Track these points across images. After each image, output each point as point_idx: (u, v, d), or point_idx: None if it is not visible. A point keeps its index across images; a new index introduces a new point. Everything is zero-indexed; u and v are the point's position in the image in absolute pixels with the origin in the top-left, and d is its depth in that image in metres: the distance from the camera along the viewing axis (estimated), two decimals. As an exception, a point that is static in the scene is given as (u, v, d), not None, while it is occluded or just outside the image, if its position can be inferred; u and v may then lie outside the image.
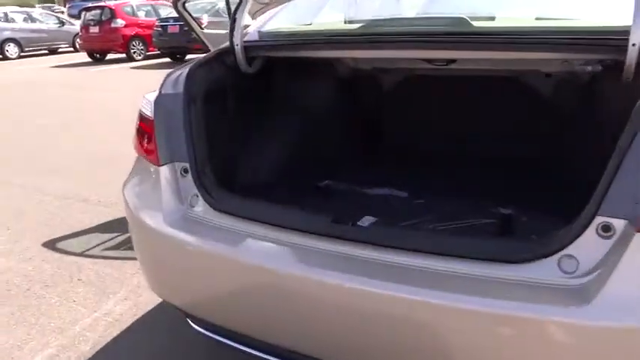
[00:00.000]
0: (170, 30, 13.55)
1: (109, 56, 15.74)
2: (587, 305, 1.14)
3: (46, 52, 18.35)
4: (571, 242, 1.22)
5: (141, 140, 1.89)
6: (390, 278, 1.32)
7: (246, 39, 2.05)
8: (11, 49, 17.14)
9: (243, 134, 2.18)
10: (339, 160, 2.52)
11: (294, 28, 2.28)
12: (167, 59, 14.37)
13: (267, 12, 2.46)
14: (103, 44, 15.24)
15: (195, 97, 1.82)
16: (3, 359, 2.28)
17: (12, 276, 2.97)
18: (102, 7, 15.35)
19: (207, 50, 2.88)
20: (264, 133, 2.25)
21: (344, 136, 2.65)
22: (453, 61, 2.16)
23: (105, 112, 7.71)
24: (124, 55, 15.15)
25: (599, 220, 1.19)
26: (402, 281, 1.31)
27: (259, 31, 2.17)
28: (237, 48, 2.00)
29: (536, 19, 1.91)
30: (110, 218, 3.66)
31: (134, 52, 15.09)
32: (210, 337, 1.78)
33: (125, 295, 2.70)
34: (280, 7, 2.41)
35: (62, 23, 18.82)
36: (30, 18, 18.22)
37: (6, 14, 17.46)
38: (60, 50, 18.67)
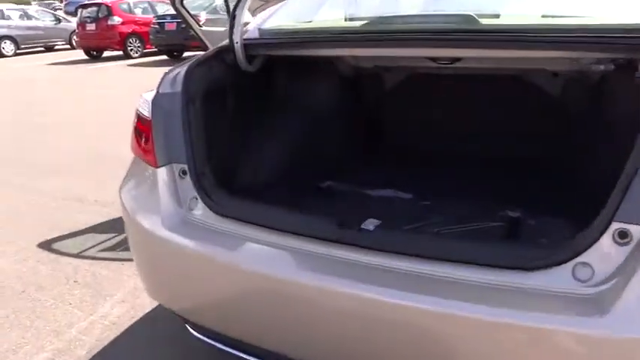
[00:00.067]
0: (167, 27, 13.50)
1: (106, 54, 15.68)
2: (603, 316, 1.10)
3: (43, 49, 18.29)
4: (586, 249, 1.18)
5: (138, 141, 1.85)
6: (400, 286, 1.28)
7: (246, 37, 2.01)
8: (7, 47, 17.11)
9: (243, 134, 2.15)
10: (340, 160, 2.49)
11: (295, 26, 2.24)
12: (164, 57, 14.33)
13: (267, 9, 2.43)
14: (100, 42, 15.20)
15: (193, 97, 1.78)
16: (-3, 364, 2.24)
17: (6, 278, 2.92)
18: (98, 4, 15.27)
19: (205, 48, 2.84)
20: (264, 133, 2.21)
21: (345, 135, 2.62)
22: (458, 59, 2.12)
23: (102, 110, 7.65)
24: (120, 53, 15.08)
25: (615, 226, 1.15)
26: (411, 289, 1.27)
27: (259, 29, 2.13)
28: (237, 46, 1.96)
29: (542, 16, 1.87)
30: (107, 218, 3.60)
31: (131, 50, 15.03)
32: (211, 345, 1.74)
33: (122, 298, 2.65)
34: (280, 4, 2.38)
35: (59, 20, 18.80)
36: (26, 15, 18.20)
37: (2, 11, 17.41)
38: (56, 48, 18.64)
